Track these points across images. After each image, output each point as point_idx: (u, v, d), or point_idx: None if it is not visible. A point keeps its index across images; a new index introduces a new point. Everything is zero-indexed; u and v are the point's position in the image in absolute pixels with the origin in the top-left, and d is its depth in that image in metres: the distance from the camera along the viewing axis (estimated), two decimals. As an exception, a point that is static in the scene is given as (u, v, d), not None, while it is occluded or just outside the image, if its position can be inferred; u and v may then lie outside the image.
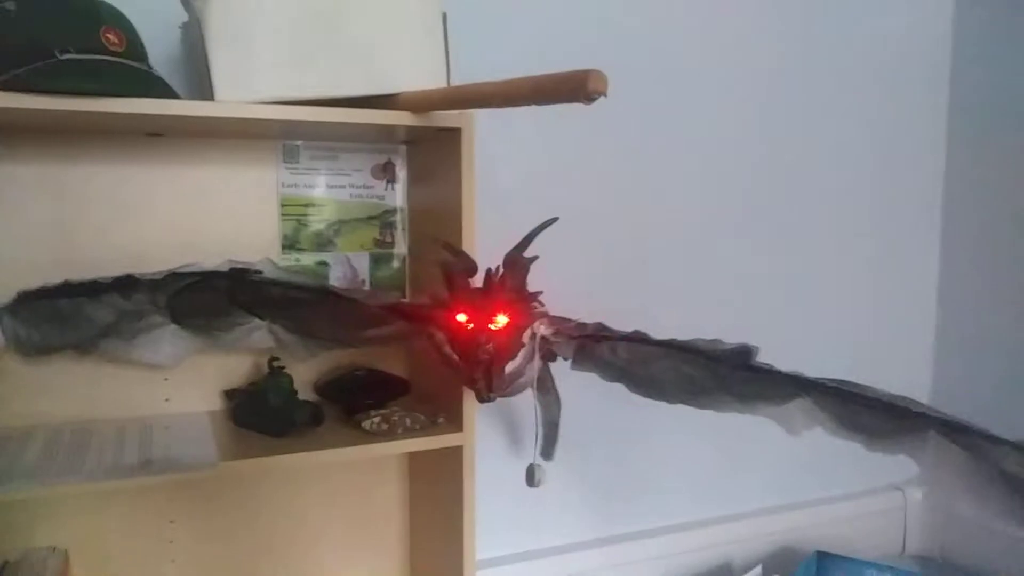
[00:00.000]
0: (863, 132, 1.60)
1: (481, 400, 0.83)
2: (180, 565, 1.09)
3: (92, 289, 0.84)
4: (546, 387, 0.93)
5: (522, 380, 0.84)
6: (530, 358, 0.83)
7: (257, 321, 0.90)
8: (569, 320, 0.86)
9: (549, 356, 0.86)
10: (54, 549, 1.01)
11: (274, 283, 0.86)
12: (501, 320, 0.79)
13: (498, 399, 0.85)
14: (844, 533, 1.62)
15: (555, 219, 0.82)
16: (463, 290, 0.81)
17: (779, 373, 0.76)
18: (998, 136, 1.60)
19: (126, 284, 0.84)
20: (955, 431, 0.69)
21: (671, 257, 1.43)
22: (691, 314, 1.39)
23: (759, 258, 1.52)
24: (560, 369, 0.92)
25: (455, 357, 0.81)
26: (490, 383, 0.79)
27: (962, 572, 1.61)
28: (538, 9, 1.27)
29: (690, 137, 1.40)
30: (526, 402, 0.94)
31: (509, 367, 0.80)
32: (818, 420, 0.76)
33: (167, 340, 0.90)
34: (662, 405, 1.40)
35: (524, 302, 0.82)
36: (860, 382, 0.75)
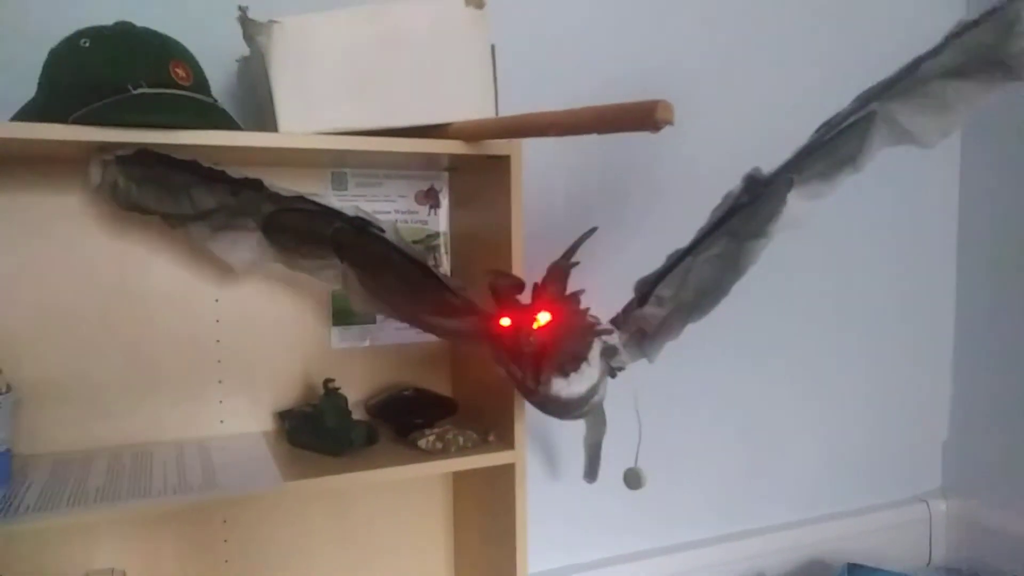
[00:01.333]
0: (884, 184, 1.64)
1: (527, 395, 0.83)
2: (233, 584, 1.11)
3: (209, 177, 0.85)
4: (598, 407, 0.95)
5: (596, 399, 0.86)
6: (604, 374, 0.86)
7: (336, 260, 0.91)
8: (618, 314, 0.90)
9: (609, 372, 0.89)
10: (112, 571, 1.03)
11: (383, 241, 0.87)
12: (543, 317, 0.81)
13: (570, 421, 0.86)
14: (871, 545, 1.65)
15: (595, 229, 0.85)
16: (509, 301, 0.83)
17: (774, 174, 0.81)
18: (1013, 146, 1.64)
19: (249, 185, 0.85)
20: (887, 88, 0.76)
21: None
22: (724, 338, 1.45)
23: (797, 274, 1.57)
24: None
25: (505, 362, 0.83)
26: (537, 376, 0.79)
27: (988, 582, 1.63)
28: (574, 44, 1.32)
29: (717, 155, 1.44)
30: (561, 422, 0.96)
31: (585, 385, 0.82)
32: (813, 191, 0.82)
33: (247, 245, 0.90)
34: (690, 418, 1.44)
35: (567, 304, 0.84)
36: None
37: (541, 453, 1.35)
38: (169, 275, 1.05)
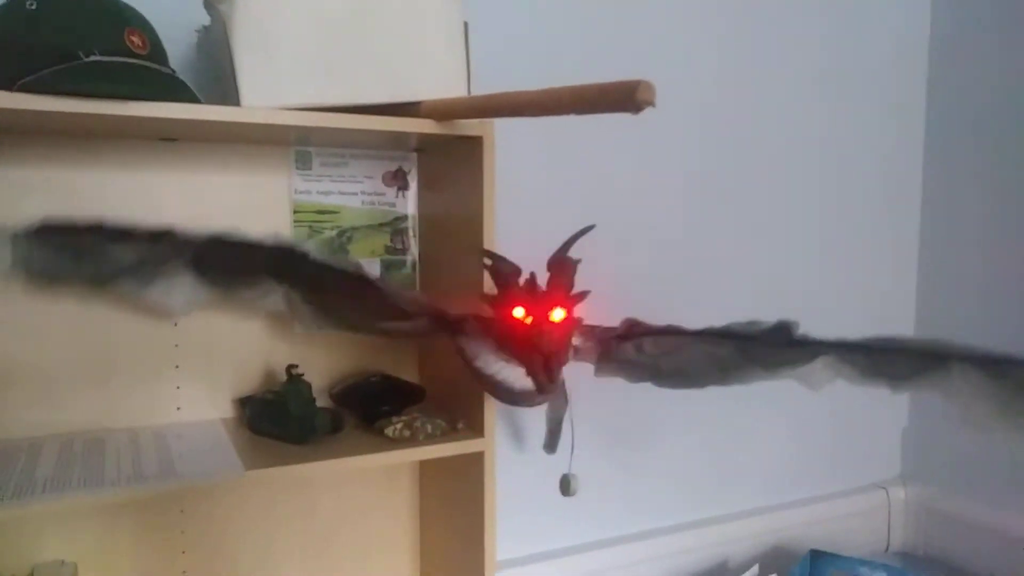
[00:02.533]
0: (847, 131, 1.65)
1: (542, 392, 0.82)
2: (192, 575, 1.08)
3: (125, 235, 0.79)
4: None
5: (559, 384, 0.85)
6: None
7: (276, 285, 0.88)
8: (597, 327, 0.88)
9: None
10: (63, 563, 0.99)
11: (313, 261, 0.84)
12: (558, 314, 0.80)
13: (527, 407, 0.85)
14: (833, 532, 1.67)
15: (592, 226, 0.83)
16: (516, 288, 0.81)
17: (812, 340, 0.79)
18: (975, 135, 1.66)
19: (163, 236, 0.80)
20: (977, 360, 0.72)
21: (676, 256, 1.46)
22: (712, 311, 1.44)
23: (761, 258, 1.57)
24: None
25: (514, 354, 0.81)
26: (552, 375, 0.79)
27: (945, 567, 1.66)
28: (549, 20, 1.29)
29: (688, 139, 1.43)
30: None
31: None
32: (841, 373, 0.80)
33: (184, 288, 0.86)
34: (656, 408, 1.44)
35: (575, 301, 0.83)
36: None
37: (507, 441, 1.34)
38: (123, 255, 1.00)
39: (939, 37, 1.71)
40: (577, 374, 0.91)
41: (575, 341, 0.86)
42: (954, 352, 0.73)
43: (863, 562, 1.48)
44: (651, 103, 0.64)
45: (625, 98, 0.65)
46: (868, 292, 1.71)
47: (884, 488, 1.77)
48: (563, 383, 0.94)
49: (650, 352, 0.87)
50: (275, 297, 0.89)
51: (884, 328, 0.78)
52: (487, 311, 0.84)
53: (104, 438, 0.97)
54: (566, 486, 1.01)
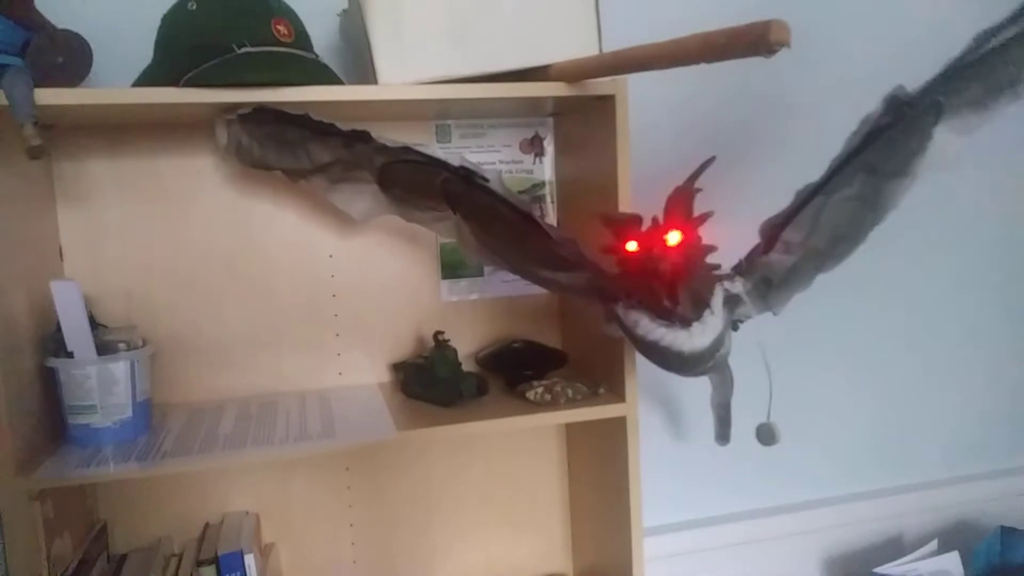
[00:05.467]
0: None
1: (668, 318, 0.78)
2: (357, 528, 1.16)
3: (323, 131, 0.86)
4: (724, 363, 0.90)
5: (721, 353, 0.81)
6: (727, 327, 0.80)
7: (449, 212, 0.90)
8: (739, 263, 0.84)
9: (732, 326, 0.83)
10: (247, 513, 1.10)
11: (490, 191, 0.86)
12: (674, 237, 0.76)
13: (693, 376, 0.83)
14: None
15: (714, 158, 0.79)
16: (631, 229, 0.79)
17: (920, 92, 0.73)
18: None
19: (358, 137, 0.86)
20: None
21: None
22: (868, 282, 1.34)
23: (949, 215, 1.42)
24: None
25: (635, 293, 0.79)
26: (675, 295, 0.75)
27: None
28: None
29: (848, 81, 1.32)
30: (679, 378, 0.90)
31: (709, 337, 0.77)
32: (962, 116, 0.74)
33: (366, 196, 0.91)
34: (821, 373, 1.35)
35: (696, 224, 0.79)
36: None
37: (661, 408, 1.32)
38: (286, 232, 1.09)
39: None
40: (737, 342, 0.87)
41: (736, 289, 0.82)
42: None
43: (1064, 542, 1.33)
44: (786, 43, 0.60)
45: (758, 41, 0.61)
46: None
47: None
48: (728, 366, 0.91)
49: (798, 241, 0.82)
50: (447, 223, 0.92)
51: None
52: (608, 260, 0.82)
53: (276, 400, 1.06)
54: (768, 435, 0.96)
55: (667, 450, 1.33)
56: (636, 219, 0.79)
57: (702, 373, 0.82)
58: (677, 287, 0.75)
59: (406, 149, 0.85)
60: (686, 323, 0.76)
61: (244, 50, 0.83)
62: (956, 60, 0.71)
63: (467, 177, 0.85)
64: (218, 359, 1.08)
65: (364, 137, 0.85)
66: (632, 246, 0.78)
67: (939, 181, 1.37)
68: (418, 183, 0.89)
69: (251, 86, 0.82)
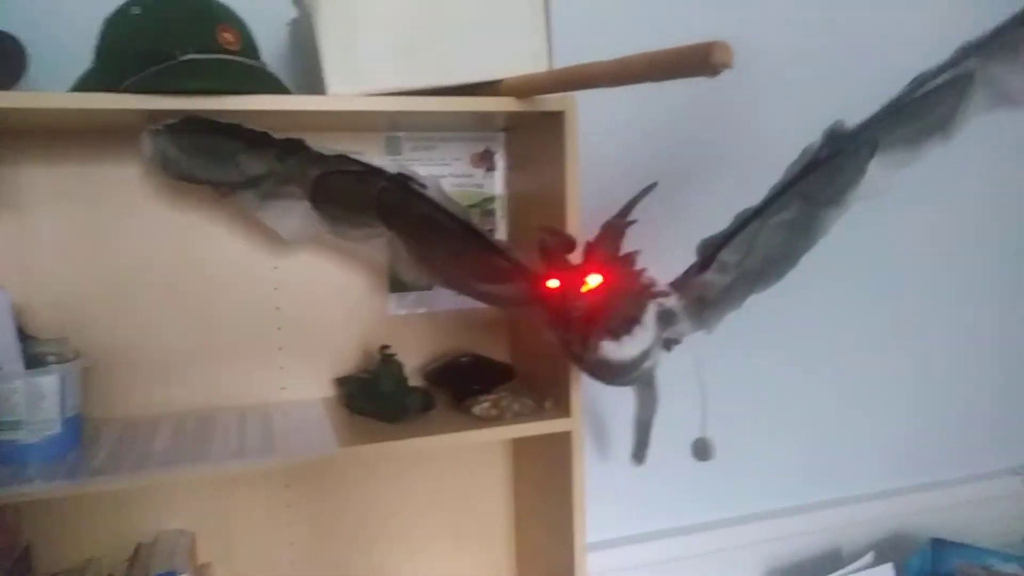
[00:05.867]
0: None
1: (574, 361, 0.80)
2: (298, 547, 1.13)
3: (257, 140, 0.84)
4: (651, 379, 0.91)
5: (647, 365, 0.82)
6: (659, 340, 0.81)
7: (382, 227, 0.90)
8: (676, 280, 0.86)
9: (664, 345, 0.85)
10: (182, 532, 1.06)
11: (427, 199, 0.85)
12: (593, 280, 0.77)
13: (618, 386, 0.83)
14: (958, 520, 1.56)
15: (654, 185, 0.80)
16: (558, 261, 0.80)
17: (857, 128, 0.76)
18: None
19: (293, 146, 0.84)
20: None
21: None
22: (808, 297, 1.37)
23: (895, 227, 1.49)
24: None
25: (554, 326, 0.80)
26: (584, 341, 0.76)
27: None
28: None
29: (792, 110, 1.36)
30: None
31: (637, 348, 0.78)
32: (890, 154, 0.79)
33: (297, 214, 0.90)
34: (759, 383, 1.38)
35: (621, 264, 0.80)
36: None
37: (604, 423, 1.32)
38: (228, 243, 1.06)
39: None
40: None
41: (670, 304, 0.83)
42: (974, 48, 0.71)
43: (993, 552, 1.38)
44: (729, 65, 0.61)
45: (701, 61, 0.62)
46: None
47: (1020, 474, 1.63)
48: (654, 381, 0.92)
49: (734, 262, 0.84)
50: (380, 240, 0.91)
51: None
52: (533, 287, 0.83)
53: (215, 416, 1.03)
54: (703, 450, 0.98)
55: (608, 465, 1.34)
56: (570, 244, 0.80)
57: (628, 383, 0.83)
58: (589, 334, 0.76)
59: (342, 158, 0.84)
60: (615, 335, 0.76)
61: (188, 57, 0.81)
62: (894, 100, 0.75)
63: (405, 185, 0.85)
64: (155, 373, 1.05)
65: (299, 146, 0.84)
66: (553, 283, 0.79)
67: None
68: (352, 197, 0.88)
69: (193, 94, 0.80)
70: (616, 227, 0.78)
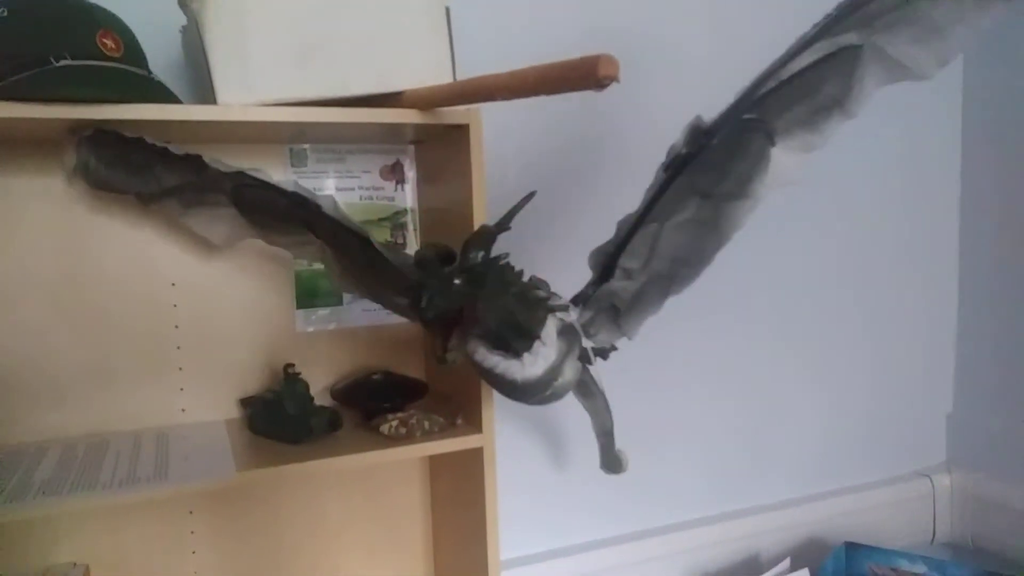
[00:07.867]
0: (883, 131, 1.56)
1: (440, 363, 0.80)
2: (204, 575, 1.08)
3: (163, 155, 0.82)
4: (589, 391, 0.90)
5: (560, 383, 0.80)
6: (566, 355, 0.80)
7: (313, 237, 0.88)
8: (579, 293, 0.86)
9: (585, 357, 0.83)
10: (74, 565, 1.00)
11: (326, 216, 0.84)
12: (456, 284, 0.77)
13: (534, 406, 0.82)
14: (871, 523, 1.60)
15: (533, 193, 0.79)
16: (435, 272, 0.79)
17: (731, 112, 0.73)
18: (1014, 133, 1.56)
19: (195, 163, 0.82)
20: None
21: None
22: (714, 308, 1.39)
23: (795, 238, 1.51)
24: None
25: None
26: (444, 344, 0.78)
27: (995, 559, 1.57)
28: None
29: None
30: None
31: (541, 367, 0.76)
32: (800, 117, 0.74)
33: (225, 220, 0.88)
34: (674, 393, 1.39)
35: (490, 269, 0.78)
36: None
37: (528, 436, 1.31)
38: (123, 258, 1.01)
39: None
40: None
41: (570, 319, 0.82)
42: (840, 17, 0.68)
43: (902, 554, 1.42)
44: (614, 79, 0.61)
45: (588, 75, 0.61)
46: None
47: (928, 476, 1.68)
48: (600, 389, 0.90)
49: (637, 267, 0.83)
50: (312, 248, 0.89)
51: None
52: None
53: (108, 441, 0.98)
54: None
55: (530, 477, 1.32)
56: (447, 255, 0.79)
57: (543, 402, 0.82)
58: (446, 337, 0.76)
59: (240, 174, 0.81)
60: (516, 354, 0.75)
61: (64, 63, 0.77)
62: (754, 82, 0.71)
63: (302, 203, 0.82)
64: (44, 395, 0.99)
65: (196, 161, 0.81)
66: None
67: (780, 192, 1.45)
68: (274, 206, 0.86)
69: (70, 102, 0.76)
70: (483, 233, 0.77)
